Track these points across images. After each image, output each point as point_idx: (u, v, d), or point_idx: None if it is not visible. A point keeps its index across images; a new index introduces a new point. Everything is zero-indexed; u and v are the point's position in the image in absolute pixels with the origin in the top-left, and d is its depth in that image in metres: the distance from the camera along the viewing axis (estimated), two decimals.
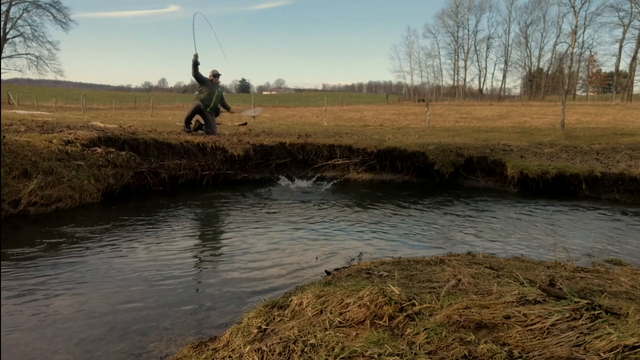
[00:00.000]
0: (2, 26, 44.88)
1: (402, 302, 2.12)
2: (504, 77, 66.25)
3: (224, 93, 10.05)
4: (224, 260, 3.93)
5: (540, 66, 62.01)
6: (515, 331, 1.85)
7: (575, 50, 54.10)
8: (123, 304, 3.01)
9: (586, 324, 1.82)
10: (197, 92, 9.78)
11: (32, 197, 5.24)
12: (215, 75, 9.67)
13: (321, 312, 2.19)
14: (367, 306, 2.11)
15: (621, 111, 24.14)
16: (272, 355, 1.85)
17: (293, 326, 2.06)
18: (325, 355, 1.76)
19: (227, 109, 10.26)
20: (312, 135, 10.08)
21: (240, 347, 2.00)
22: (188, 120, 9.63)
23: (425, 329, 1.88)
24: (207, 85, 9.45)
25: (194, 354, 2.16)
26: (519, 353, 1.70)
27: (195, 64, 9.15)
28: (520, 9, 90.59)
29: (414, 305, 2.11)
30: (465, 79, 66.31)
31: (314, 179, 8.16)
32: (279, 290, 3.22)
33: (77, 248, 4.14)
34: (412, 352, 1.73)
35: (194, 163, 7.63)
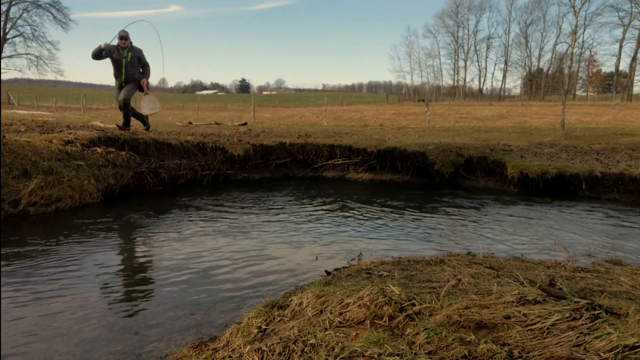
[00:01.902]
0: (2, 26, 44.88)
1: (402, 302, 2.12)
2: (504, 77, 66.30)
3: (140, 50, 8.19)
4: (224, 260, 3.93)
5: (540, 66, 62.06)
6: (515, 331, 1.85)
7: (575, 50, 54.14)
8: (123, 304, 3.01)
9: (586, 324, 1.82)
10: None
11: (32, 197, 5.24)
12: (122, 37, 7.91)
13: (321, 312, 2.19)
14: (367, 306, 2.11)
15: (621, 111, 24.15)
16: (272, 355, 1.85)
17: (293, 326, 2.06)
18: (325, 355, 1.76)
19: (145, 74, 8.23)
20: (312, 135, 10.08)
21: (240, 347, 2.00)
22: (125, 117, 8.29)
23: (425, 329, 1.88)
24: (113, 59, 7.97)
25: (194, 354, 2.16)
26: (519, 353, 1.70)
27: (97, 49, 7.88)
28: (520, 9, 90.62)
29: (414, 305, 2.11)
30: (465, 79, 66.34)
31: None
32: (279, 290, 3.22)
33: (76, 248, 4.14)
34: (412, 352, 1.73)
35: (194, 163, 7.63)
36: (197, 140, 8.06)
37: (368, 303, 2.12)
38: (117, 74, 8.05)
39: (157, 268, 3.69)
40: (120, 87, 8.17)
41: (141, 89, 8.27)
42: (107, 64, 8.23)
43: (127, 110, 8.19)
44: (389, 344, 1.80)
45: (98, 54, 7.92)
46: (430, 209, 6.11)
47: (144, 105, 8.50)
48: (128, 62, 7.98)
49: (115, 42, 8.01)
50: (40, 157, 5.64)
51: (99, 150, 6.46)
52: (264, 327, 2.18)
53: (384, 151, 8.52)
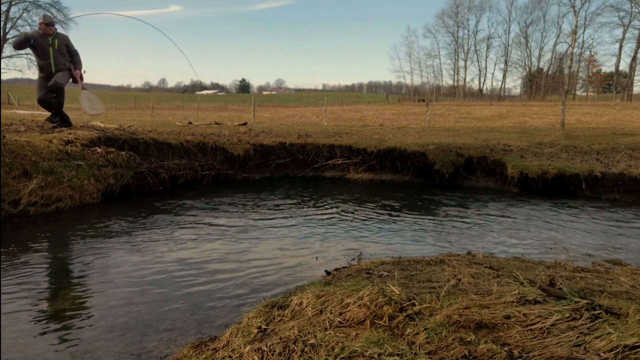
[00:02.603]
0: (2, 26, 44.87)
1: (402, 302, 2.12)
2: (504, 77, 66.17)
3: (66, 41, 7.35)
4: (224, 260, 3.93)
5: (540, 66, 61.99)
6: (515, 331, 1.85)
7: (575, 50, 54.06)
8: (123, 304, 3.01)
9: (586, 324, 1.82)
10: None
11: (32, 197, 5.24)
12: (48, 24, 7.10)
13: (321, 312, 2.19)
14: (367, 306, 2.11)
15: (621, 111, 24.14)
16: (272, 355, 1.85)
17: (293, 326, 2.06)
18: (325, 355, 1.76)
19: (76, 64, 7.46)
20: (312, 135, 10.09)
21: (240, 347, 2.00)
22: (55, 110, 7.50)
23: (425, 329, 1.88)
24: (38, 46, 7.10)
25: (194, 354, 2.16)
26: (519, 353, 1.70)
27: (23, 37, 7.18)
28: (520, 9, 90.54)
29: (414, 305, 2.11)
30: (465, 79, 66.25)
31: None
32: (279, 290, 3.22)
33: (76, 248, 4.14)
34: (412, 352, 1.73)
35: (194, 163, 7.63)
36: (197, 140, 8.06)
37: (368, 303, 2.12)
38: (45, 64, 7.21)
39: (157, 268, 3.69)
40: (46, 78, 7.30)
41: (75, 81, 7.53)
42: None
43: (61, 97, 7.40)
44: (389, 344, 1.80)
45: (23, 43, 7.13)
46: (430, 209, 6.11)
47: (85, 103, 7.71)
48: (56, 49, 7.19)
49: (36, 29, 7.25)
50: (40, 157, 5.64)
51: (99, 150, 6.46)
52: (264, 327, 2.18)
53: (384, 151, 8.52)
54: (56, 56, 7.22)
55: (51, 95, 7.36)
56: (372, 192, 7.41)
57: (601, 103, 36.63)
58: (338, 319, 2.09)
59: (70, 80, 7.56)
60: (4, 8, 43.56)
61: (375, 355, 1.70)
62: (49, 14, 6.98)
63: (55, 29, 7.26)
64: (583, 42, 53.85)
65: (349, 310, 2.12)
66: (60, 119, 7.60)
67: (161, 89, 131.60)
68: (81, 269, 3.64)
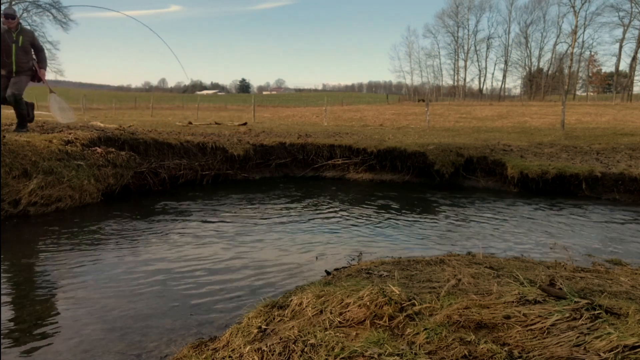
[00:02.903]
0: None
1: (402, 302, 2.12)
2: (504, 77, 66.24)
3: (29, 36, 6.74)
4: (224, 260, 3.93)
5: (540, 66, 62.01)
6: (515, 331, 1.85)
7: (575, 50, 54.08)
8: (123, 304, 3.01)
9: (586, 324, 1.82)
10: None
11: (32, 197, 5.24)
12: (7, 15, 6.47)
13: (321, 312, 2.19)
14: (367, 306, 2.11)
15: (621, 111, 24.14)
16: (272, 355, 1.85)
17: (293, 326, 2.06)
18: (325, 355, 1.76)
19: (41, 61, 6.94)
20: (312, 135, 10.09)
21: (240, 347, 2.00)
22: (19, 120, 6.86)
23: (425, 329, 1.88)
24: (2, 42, 6.53)
25: (194, 354, 2.16)
26: (519, 353, 1.70)
27: None
28: (520, 9, 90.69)
29: (414, 305, 2.11)
30: (465, 79, 66.27)
31: None
32: (279, 290, 3.22)
33: (76, 248, 4.14)
34: (412, 352, 1.73)
35: (194, 163, 7.63)
36: (197, 140, 8.06)
37: (368, 303, 2.12)
38: (6, 62, 6.60)
39: (156, 268, 3.69)
40: (7, 76, 6.72)
41: (36, 80, 6.99)
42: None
43: (21, 108, 6.79)
44: (389, 344, 1.80)
45: None
46: (430, 209, 6.10)
47: (54, 107, 7.27)
48: (19, 47, 6.57)
49: None
50: (40, 157, 5.64)
51: (99, 150, 6.46)
52: (264, 327, 2.18)
53: (384, 151, 8.52)
54: (19, 54, 6.63)
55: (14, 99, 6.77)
56: (372, 192, 7.41)
57: (601, 103, 36.62)
58: (338, 319, 2.09)
59: (31, 80, 7.01)
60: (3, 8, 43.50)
61: (375, 355, 1.70)
62: (11, 7, 6.60)
63: (19, 24, 6.70)
64: (583, 42, 53.90)
65: (349, 310, 2.12)
66: (21, 123, 6.95)
67: (161, 89, 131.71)
68: (81, 269, 3.64)
